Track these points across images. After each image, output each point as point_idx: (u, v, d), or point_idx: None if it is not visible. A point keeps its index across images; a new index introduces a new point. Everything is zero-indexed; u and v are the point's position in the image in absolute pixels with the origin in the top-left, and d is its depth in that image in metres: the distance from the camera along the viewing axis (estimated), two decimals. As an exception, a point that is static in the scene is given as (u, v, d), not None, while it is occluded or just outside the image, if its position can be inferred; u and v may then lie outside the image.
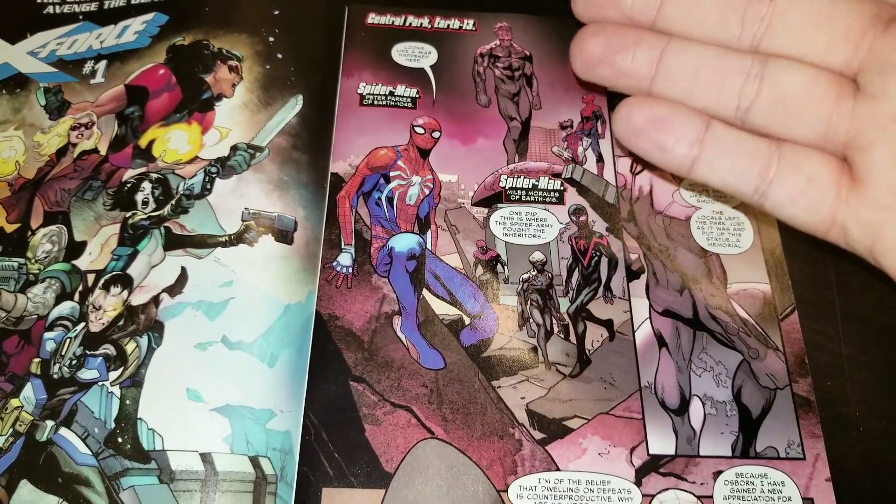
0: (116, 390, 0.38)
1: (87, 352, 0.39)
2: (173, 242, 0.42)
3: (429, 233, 0.45)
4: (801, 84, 0.28)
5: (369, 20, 0.52)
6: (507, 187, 0.47)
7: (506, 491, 0.38)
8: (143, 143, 0.45)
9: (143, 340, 0.39)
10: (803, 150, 0.29)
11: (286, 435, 0.38)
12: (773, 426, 0.40)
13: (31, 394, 0.38)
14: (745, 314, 0.43)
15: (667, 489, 0.38)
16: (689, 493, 0.38)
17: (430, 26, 0.52)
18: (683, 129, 0.29)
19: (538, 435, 0.39)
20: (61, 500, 0.35)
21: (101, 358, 0.39)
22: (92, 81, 0.48)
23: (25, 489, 0.35)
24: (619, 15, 0.31)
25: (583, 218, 0.46)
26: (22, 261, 0.42)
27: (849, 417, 0.41)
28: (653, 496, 0.38)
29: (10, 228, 0.43)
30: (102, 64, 0.49)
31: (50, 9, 0.51)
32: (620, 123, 0.30)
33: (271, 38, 0.49)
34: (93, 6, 0.51)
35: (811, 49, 0.29)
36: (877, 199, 0.28)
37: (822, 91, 0.28)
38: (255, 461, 0.37)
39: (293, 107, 0.46)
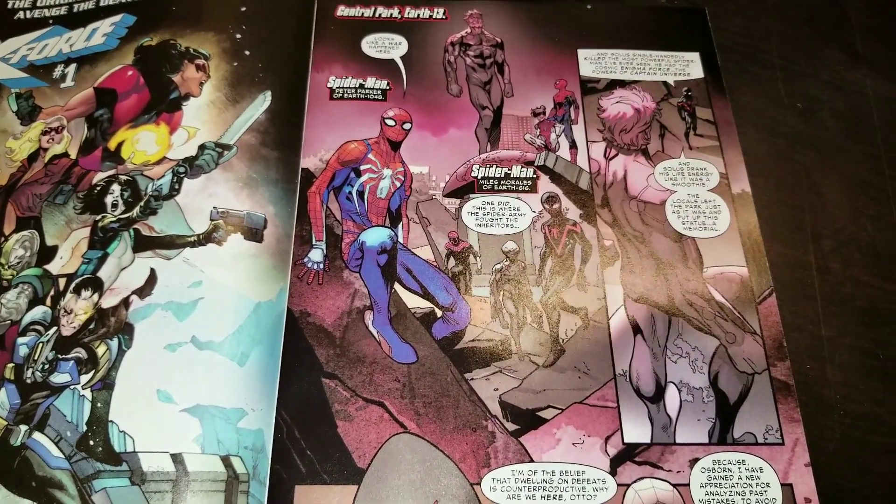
0: (88, 393, 0.38)
1: (59, 356, 0.39)
2: (142, 244, 0.42)
3: (400, 226, 0.45)
4: None
5: (339, 13, 0.52)
6: (479, 177, 0.46)
7: (479, 484, 0.37)
8: (112, 145, 0.45)
9: (114, 343, 0.39)
10: None
11: (258, 433, 0.38)
12: (750, 411, 0.40)
13: (4, 399, 0.38)
14: (722, 298, 0.43)
15: (642, 478, 0.38)
16: (666, 481, 0.38)
17: (400, 16, 0.52)
18: None
19: (511, 426, 0.39)
20: (35, 503, 0.35)
21: (72, 361, 0.39)
22: (62, 85, 0.48)
23: None
24: None
25: (556, 206, 0.46)
26: (-5, 267, 0.42)
27: (829, 400, 0.41)
28: (628, 485, 0.38)
29: (-17, 235, 0.43)
30: (72, 67, 0.49)
31: (20, 14, 0.51)
32: None
33: (238, 35, 0.49)
34: (62, 10, 0.51)
35: None
36: None
37: None
38: (226, 460, 0.37)
39: (261, 103, 0.46)
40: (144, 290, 0.40)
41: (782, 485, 0.38)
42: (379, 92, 0.49)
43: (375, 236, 0.44)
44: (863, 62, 0.52)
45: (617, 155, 0.47)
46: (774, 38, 0.53)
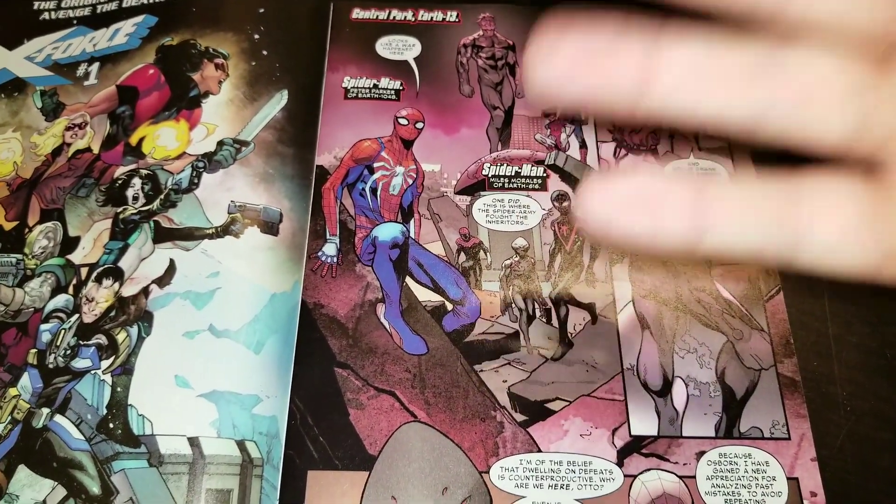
0: (108, 378, 0.39)
1: (81, 342, 0.40)
2: (162, 235, 0.43)
3: (412, 222, 0.46)
4: (829, 71, 0.21)
5: (354, 15, 0.53)
6: (489, 175, 0.47)
7: (487, 472, 0.38)
8: (133, 140, 0.47)
9: (134, 330, 0.40)
10: (823, 177, 0.22)
11: (272, 419, 0.39)
12: (757, 406, 0.40)
13: (28, 383, 0.39)
14: (730, 296, 0.43)
15: (649, 469, 0.38)
16: (672, 472, 0.38)
17: (413, 19, 0.53)
18: (676, 196, 0.22)
19: (520, 417, 0.40)
20: (56, 483, 0.36)
21: (93, 347, 0.40)
22: (85, 83, 0.50)
23: (23, 473, 0.37)
24: None
25: (566, 203, 0.46)
26: (19, 256, 0.43)
27: (835, 397, 0.41)
28: (635, 476, 0.38)
29: (8, 226, 0.45)
30: (95, 66, 0.50)
31: (46, 15, 0.53)
32: (591, 212, 0.22)
33: (256, 36, 0.50)
34: (86, 11, 0.53)
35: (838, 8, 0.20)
36: None
37: (854, 77, 0.21)
38: (241, 445, 0.38)
39: (278, 102, 0.47)
40: (164, 280, 0.41)
41: (788, 479, 0.38)
42: (392, 92, 0.50)
43: (388, 231, 0.45)
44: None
45: (627, 155, 0.48)
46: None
